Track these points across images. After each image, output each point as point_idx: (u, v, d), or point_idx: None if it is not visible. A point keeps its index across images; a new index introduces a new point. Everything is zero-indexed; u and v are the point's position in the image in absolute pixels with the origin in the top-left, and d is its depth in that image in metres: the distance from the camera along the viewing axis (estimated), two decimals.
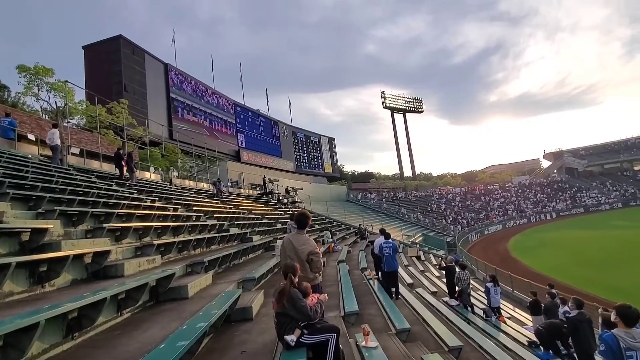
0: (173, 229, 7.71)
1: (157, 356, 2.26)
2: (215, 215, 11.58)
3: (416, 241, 28.51)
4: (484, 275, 18.42)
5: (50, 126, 11.32)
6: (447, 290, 9.94)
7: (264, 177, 28.23)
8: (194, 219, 9.76)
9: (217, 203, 14.91)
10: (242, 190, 26.73)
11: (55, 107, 16.72)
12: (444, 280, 10.75)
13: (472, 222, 44.95)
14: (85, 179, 9.26)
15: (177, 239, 6.89)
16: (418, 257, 18.12)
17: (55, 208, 5.36)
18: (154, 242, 6.06)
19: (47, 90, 16.55)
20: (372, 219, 35.10)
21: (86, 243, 4.76)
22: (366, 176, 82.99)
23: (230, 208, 14.87)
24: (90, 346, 2.89)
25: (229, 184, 24.96)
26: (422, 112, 72.00)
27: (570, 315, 6.59)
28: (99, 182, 9.47)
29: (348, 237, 21.48)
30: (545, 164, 76.20)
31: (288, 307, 2.81)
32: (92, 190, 7.78)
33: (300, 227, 3.60)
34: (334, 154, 60.13)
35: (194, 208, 11.18)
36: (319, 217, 25.74)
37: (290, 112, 65.50)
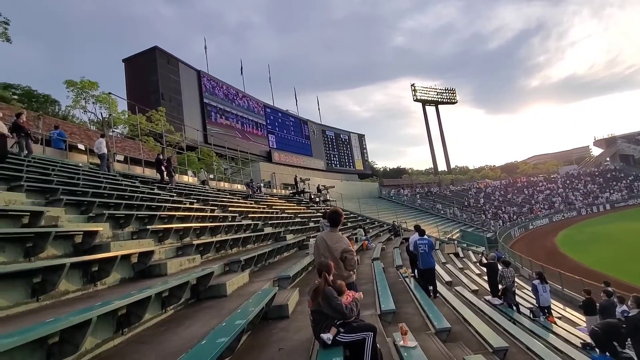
0: (211, 230, 8.01)
1: (199, 352, 2.34)
2: (249, 215, 11.89)
3: (454, 237, 27.49)
4: (529, 273, 17.37)
5: (98, 136, 12.21)
6: (489, 289, 9.48)
7: (295, 176, 28.57)
8: (230, 219, 10.07)
9: (251, 203, 15.31)
10: (274, 190, 27.25)
11: (101, 118, 18.02)
12: (485, 278, 10.26)
13: (515, 216, 42.52)
14: (130, 184, 9.89)
15: (214, 239, 7.15)
16: (456, 254, 17.45)
17: (104, 212, 5.76)
18: (194, 242, 6.33)
19: (92, 103, 17.85)
20: (406, 215, 34.35)
21: (132, 244, 5.06)
22: (398, 172, 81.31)
23: (264, 208, 15.21)
24: (139, 341, 3.06)
25: (261, 184, 25.55)
26: (456, 102, 69.34)
27: (630, 315, 6.04)
28: (142, 187, 10.08)
29: (382, 234, 21.18)
30: (596, 151, 70.52)
31: (323, 305, 2.80)
32: (136, 195, 8.28)
33: (333, 225, 3.57)
34: (365, 150, 59.53)
35: (230, 209, 11.54)
36: (352, 215, 25.61)
37: (319, 111, 65.43)
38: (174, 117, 26.02)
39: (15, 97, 24.55)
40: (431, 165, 71.17)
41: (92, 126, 21.02)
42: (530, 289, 13.03)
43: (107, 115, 17.47)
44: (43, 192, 6.05)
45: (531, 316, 8.78)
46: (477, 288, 10.13)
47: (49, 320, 2.19)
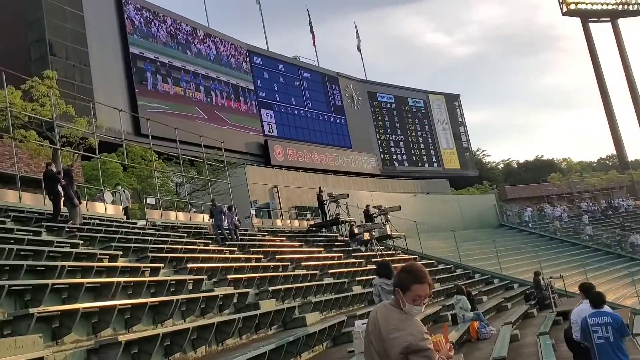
0: (152, 310, 8.18)
1: None
2: (228, 276, 12.03)
3: None
4: None
5: None
6: None
7: (319, 191, 28.60)
8: (191, 287, 10.23)
9: (230, 252, 15.50)
10: (278, 222, 27.44)
11: None
12: None
13: None
14: None
15: (160, 330, 7.29)
16: None
17: None
18: (120, 339, 6.46)
19: None
20: (563, 262, 33.39)
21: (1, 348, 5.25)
22: (539, 169, 79.42)
23: (258, 260, 15.36)
24: None
25: (252, 211, 25.84)
26: None
27: None
28: (17, 229, 10.49)
29: (510, 305, 20.66)
30: None
31: None
32: (6, 246, 8.62)
33: (399, 287, 3.54)
34: (462, 129, 59.04)
35: (189, 265, 11.75)
36: (441, 266, 25.20)
37: (360, 53, 59.83)
38: (76, 89, 27.09)
39: None
40: (611, 152, 69.19)
41: None
42: None
43: None
44: None
45: None
46: None
47: None
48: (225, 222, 19.40)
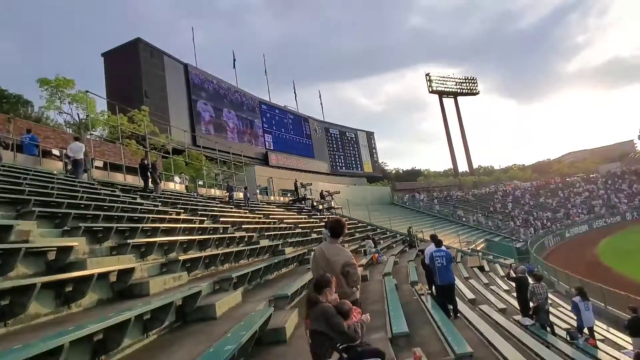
0: (199, 243, 8.08)
1: None
2: (243, 226, 11.97)
3: (478, 248, 27.30)
4: (566, 288, 17.18)
5: (73, 139, 12.39)
6: (518, 307, 9.41)
7: (296, 181, 28.67)
8: (221, 231, 10.15)
9: (245, 213, 15.39)
10: (272, 198, 27.34)
11: (77, 120, 18.29)
12: (515, 294, 10.19)
13: (548, 223, 42.16)
14: (109, 192, 10.02)
15: (203, 254, 7.21)
16: (481, 268, 17.33)
17: (81, 225, 5.84)
18: (180, 258, 6.39)
19: (69, 103, 18.15)
20: (422, 224, 34.23)
21: (111, 261, 5.13)
22: (413, 174, 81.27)
23: (260, 218, 15.28)
24: None
25: (257, 191, 25.65)
26: (477, 93, 69.55)
27: None
28: (123, 196, 10.20)
29: (394, 245, 21.14)
30: None
31: (320, 324, 2.81)
32: (116, 205, 8.39)
33: (333, 236, 3.61)
34: (374, 150, 59.65)
35: (221, 219, 11.63)
36: (360, 224, 25.58)
37: (321, 106, 65.56)
38: (159, 117, 26.30)
39: None
40: (450, 166, 71.09)
41: (68, 129, 21.35)
42: (567, 307, 12.93)
43: (85, 117, 17.74)
44: (14, 203, 6.16)
45: (568, 338, 8.69)
46: (505, 306, 10.05)
47: (16, 347, 2.24)
48: (241, 195, 19.30)
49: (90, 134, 18.05)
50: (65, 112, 18.63)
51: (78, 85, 18.31)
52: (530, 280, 9.33)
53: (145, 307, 3.65)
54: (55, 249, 4.49)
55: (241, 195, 19.49)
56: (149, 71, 31.12)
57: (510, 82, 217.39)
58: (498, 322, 7.45)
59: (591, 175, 57.38)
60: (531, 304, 8.78)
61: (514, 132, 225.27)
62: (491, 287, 13.60)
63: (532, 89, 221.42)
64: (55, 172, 10.86)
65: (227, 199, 18.17)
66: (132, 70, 30.59)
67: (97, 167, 14.16)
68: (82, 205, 7.42)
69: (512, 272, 11.45)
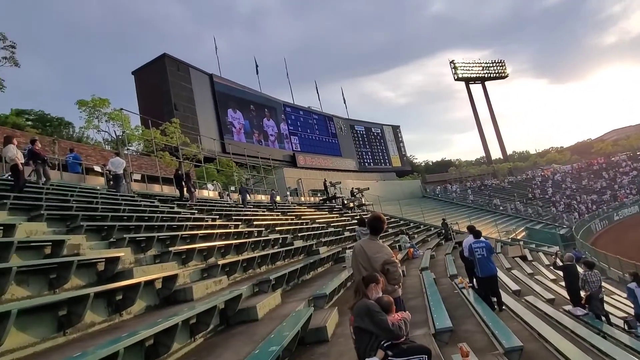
0: (236, 247, 8.25)
1: None
2: (276, 228, 12.10)
3: (518, 237, 26.18)
4: (619, 275, 16.11)
5: (112, 155, 13.04)
6: (569, 297, 8.92)
7: (325, 180, 28.69)
8: (256, 234, 10.31)
9: (277, 215, 15.57)
10: (302, 198, 27.51)
11: (115, 136, 19.24)
12: (563, 284, 9.67)
13: (594, 206, 39.77)
14: (148, 204, 10.45)
15: (240, 257, 7.35)
16: (523, 257, 16.60)
17: (125, 236, 6.12)
18: (219, 263, 6.55)
19: (105, 121, 19.15)
20: (457, 215, 33.27)
21: (155, 268, 5.34)
22: (443, 165, 79.00)
23: (292, 219, 15.40)
24: None
25: (287, 193, 25.89)
26: (506, 76, 66.72)
27: None
28: (161, 206, 10.60)
29: (429, 239, 20.68)
30: None
31: (365, 321, 2.78)
32: (156, 215, 8.74)
33: (373, 233, 3.56)
34: (401, 144, 58.71)
35: (255, 223, 11.83)
36: (392, 220, 25.22)
37: (345, 104, 64.84)
38: (189, 128, 27.20)
39: (29, 122, 26.91)
40: (483, 154, 68.64)
41: (106, 145, 22.51)
42: (621, 294, 12.12)
43: (121, 133, 18.62)
44: (63, 219, 6.55)
45: (626, 327, 8.14)
46: (553, 297, 9.55)
47: (76, 355, 2.37)
48: (268, 197, 19.54)
49: (127, 149, 18.94)
50: (103, 130, 19.68)
51: (112, 103, 19.30)
52: (579, 269, 8.82)
53: (191, 311, 3.75)
54: (104, 260, 4.73)
55: (269, 197, 19.75)
56: (177, 84, 32.22)
57: (541, 61, 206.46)
58: (547, 313, 7.09)
59: (638, 153, 53.50)
60: (583, 293, 8.30)
61: (549, 114, 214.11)
62: (536, 277, 12.98)
63: (565, 67, 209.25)
64: (98, 187, 11.47)
65: (240, 202, 17.31)
66: (161, 84, 31.81)
67: (135, 180, 14.82)
68: (125, 217, 7.77)
69: (558, 260, 10.88)
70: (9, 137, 8.38)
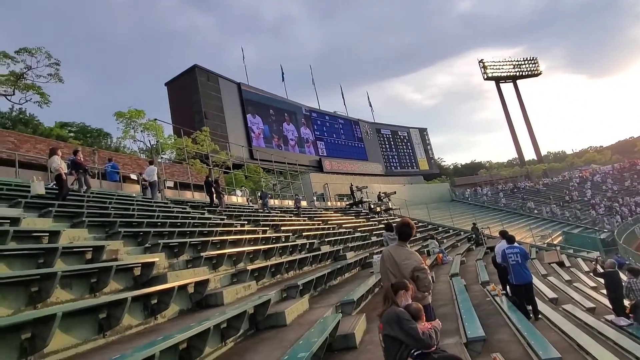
0: (264, 252, 8.36)
1: None
2: (304, 233, 12.16)
3: (554, 242, 24.92)
4: None
5: (147, 163, 13.61)
6: (611, 306, 8.38)
7: (351, 185, 28.58)
8: (283, 239, 10.41)
9: (304, 220, 15.65)
10: (328, 203, 27.52)
11: (149, 146, 20.06)
12: (604, 292, 9.10)
13: (638, 209, 37.25)
14: (181, 210, 10.81)
15: (269, 263, 7.44)
16: (560, 264, 15.78)
17: (159, 241, 6.36)
18: (248, 268, 6.66)
19: (141, 131, 20.01)
20: (488, 219, 32.13)
21: (188, 273, 5.50)
22: (473, 167, 76.84)
23: (319, 224, 15.44)
24: None
25: (314, 198, 25.98)
26: (539, 74, 64.14)
27: None
28: (193, 212, 10.93)
29: (459, 244, 20.09)
30: None
31: (395, 329, 2.74)
32: (188, 221, 9.01)
33: (402, 239, 3.52)
34: (429, 147, 57.57)
35: (282, 228, 11.94)
36: (420, 224, 24.72)
37: (371, 107, 64.86)
38: (218, 136, 27.89)
39: (72, 134, 28.60)
40: (515, 155, 66.19)
41: (142, 154, 23.53)
42: None
43: (155, 142, 19.39)
44: (102, 226, 6.90)
45: None
46: (593, 305, 9.01)
47: (116, 357, 2.48)
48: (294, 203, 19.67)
49: (161, 157, 19.70)
50: (138, 140, 20.58)
51: (147, 114, 20.15)
52: (623, 275, 8.28)
53: (222, 316, 3.84)
54: (140, 265, 4.93)
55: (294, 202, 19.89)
56: (207, 94, 33.21)
57: (576, 56, 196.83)
58: (587, 323, 6.71)
59: None
60: (627, 302, 7.78)
61: (587, 112, 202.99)
62: (575, 284, 12.29)
63: (603, 61, 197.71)
64: (134, 195, 11.99)
65: (260, 206, 17.08)
66: (192, 94, 32.91)
67: (168, 187, 15.38)
68: (159, 223, 8.07)
69: (599, 266, 10.27)
70: (54, 148, 8.95)
